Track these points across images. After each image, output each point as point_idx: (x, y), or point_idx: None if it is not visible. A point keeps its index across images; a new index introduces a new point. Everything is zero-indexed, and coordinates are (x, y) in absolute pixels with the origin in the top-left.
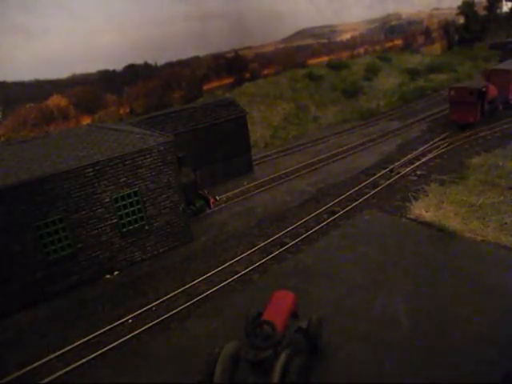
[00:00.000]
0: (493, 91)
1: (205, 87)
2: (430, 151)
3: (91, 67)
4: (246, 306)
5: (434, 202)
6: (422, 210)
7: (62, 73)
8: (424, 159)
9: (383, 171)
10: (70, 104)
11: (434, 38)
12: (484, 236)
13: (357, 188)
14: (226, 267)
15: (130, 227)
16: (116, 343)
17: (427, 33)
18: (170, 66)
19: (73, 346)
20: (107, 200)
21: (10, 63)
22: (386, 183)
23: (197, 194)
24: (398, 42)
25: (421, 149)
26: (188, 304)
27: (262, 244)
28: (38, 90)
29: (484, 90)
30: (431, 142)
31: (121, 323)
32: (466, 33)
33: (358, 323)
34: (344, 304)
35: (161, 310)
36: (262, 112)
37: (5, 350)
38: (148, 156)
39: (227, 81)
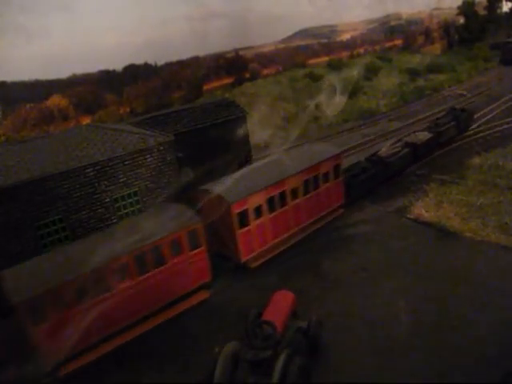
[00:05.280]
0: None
1: (205, 87)
2: None
3: (91, 67)
4: None
5: (434, 202)
6: (422, 209)
7: (62, 73)
8: None
9: None
10: (70, 104)
11: (434, 38)
12: (484, 236)
13: None
14: None
15: None
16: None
17: (427, 33)
18: (169, 66)
19: None
20: (107, 200)
21: (10, 63)
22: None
23: None
24: (398, 41)
25: None
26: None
27: None
28: (38, 89)
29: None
30: None
31: None
32: (465, 33)
33: (357, 324)
34: (342, 303)
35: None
36: (262, 112)
37: None
38: (148, 156)
39: (227, 81)
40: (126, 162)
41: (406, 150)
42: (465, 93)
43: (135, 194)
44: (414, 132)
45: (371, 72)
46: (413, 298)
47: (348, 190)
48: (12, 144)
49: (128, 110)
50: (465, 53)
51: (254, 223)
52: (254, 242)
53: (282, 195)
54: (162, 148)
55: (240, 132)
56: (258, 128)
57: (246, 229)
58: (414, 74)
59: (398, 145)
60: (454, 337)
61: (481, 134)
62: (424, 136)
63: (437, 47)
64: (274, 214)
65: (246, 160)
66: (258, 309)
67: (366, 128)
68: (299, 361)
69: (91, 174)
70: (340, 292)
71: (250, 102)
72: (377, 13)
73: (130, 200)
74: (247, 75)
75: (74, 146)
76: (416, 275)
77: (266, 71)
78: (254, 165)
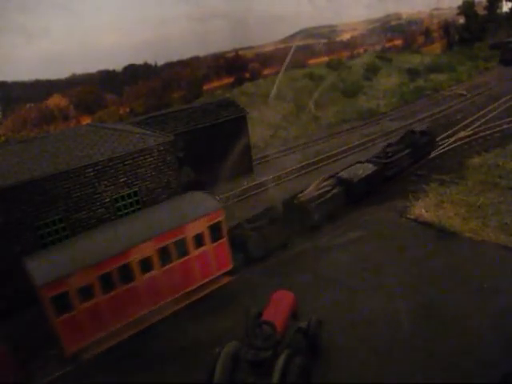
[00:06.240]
0: None
1: (205, 87)
2: None
3: (91, 67)
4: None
5: (434, 202)
6: (422, 210)
7: (62, 73)
8: None
9: None
10: (70, 104)
11: (434, 38)
12: (484, 236)
13: None
14: None
15: None
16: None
17: (427, 33)
18: (170, 66)
19: None
20: (107, 200)
21: (10, 63)
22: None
23: None
24: (398, 41)
25: None
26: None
27: None
28: (38, 89)
29: None
30: None
31: None
32: (466, 33)
33: (357, 324)
34: (342, 303)
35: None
36: (261, 112)
37: None
38: (148, 156)
39: (227, 81)
40: (126, 162)
41: (336, 189)
42: (465, 92)
43: (135, 194)
44: (357, 163)
45: (371, 72)
46: (413, 299)
47: (242, 248)
48: (12, 144)
49: (128, 110)
50: (465, 53)
51: (82, 307)
52: (84, 330)
53: (126, 269)
54: (161, 148)
55: (240, 132)
56: (258, 127)
57: (69, 315)
58: (414, 74)
59: (328, 182)
60: (454, 337)
61: (481, 134)
62: (364, 170)
63: (437, 47)
64: (113, 292)
65: (248, 159)
66: (258, 309)
67: (366, 128)
68: (299, 361)
69: (91, 174)
70: (338, 292)
71: (250, 102)
72: (377, 13)
73: (130, 200)
74: (247, 75)
75: (74, 145)
76: (416, 275)
77: (266, 71)
78: (94, 230)
